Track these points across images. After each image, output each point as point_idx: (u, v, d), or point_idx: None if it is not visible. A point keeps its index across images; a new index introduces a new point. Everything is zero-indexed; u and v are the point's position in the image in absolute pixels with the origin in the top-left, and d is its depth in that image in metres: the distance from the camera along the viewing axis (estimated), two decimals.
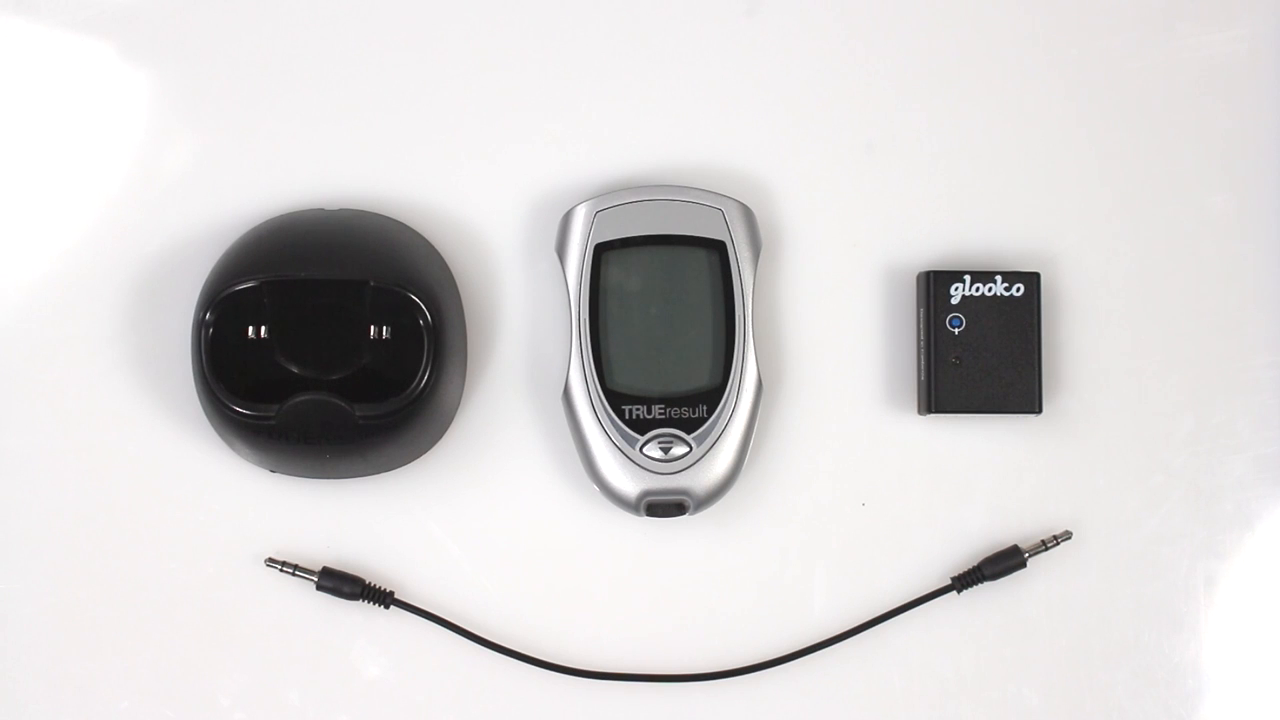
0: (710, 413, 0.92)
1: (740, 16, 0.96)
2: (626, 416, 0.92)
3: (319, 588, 0.93)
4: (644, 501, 0.92)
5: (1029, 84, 0.97)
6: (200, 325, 0.90)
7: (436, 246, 0.95)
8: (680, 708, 0.94)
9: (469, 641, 0.94)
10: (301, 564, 0.93)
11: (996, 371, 0.94)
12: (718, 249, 0.93)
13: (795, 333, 0.96)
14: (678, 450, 0.92)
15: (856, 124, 0.97)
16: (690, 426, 0.92)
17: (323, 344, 0.90)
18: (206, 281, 0.92)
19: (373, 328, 0.90)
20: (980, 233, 0.96)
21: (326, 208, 0.95)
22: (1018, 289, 0.94)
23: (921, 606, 0.94)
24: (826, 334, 0.96)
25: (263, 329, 0.90)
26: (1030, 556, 0.94)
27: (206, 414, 0.92)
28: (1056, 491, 0.96)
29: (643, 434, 0.92)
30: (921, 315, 0.95)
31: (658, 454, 0.92)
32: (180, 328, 0.93)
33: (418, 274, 0.91)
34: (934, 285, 0.94)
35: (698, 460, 0.92)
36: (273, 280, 0.90)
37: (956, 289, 0.94)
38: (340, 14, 0.96)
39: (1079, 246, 0.96)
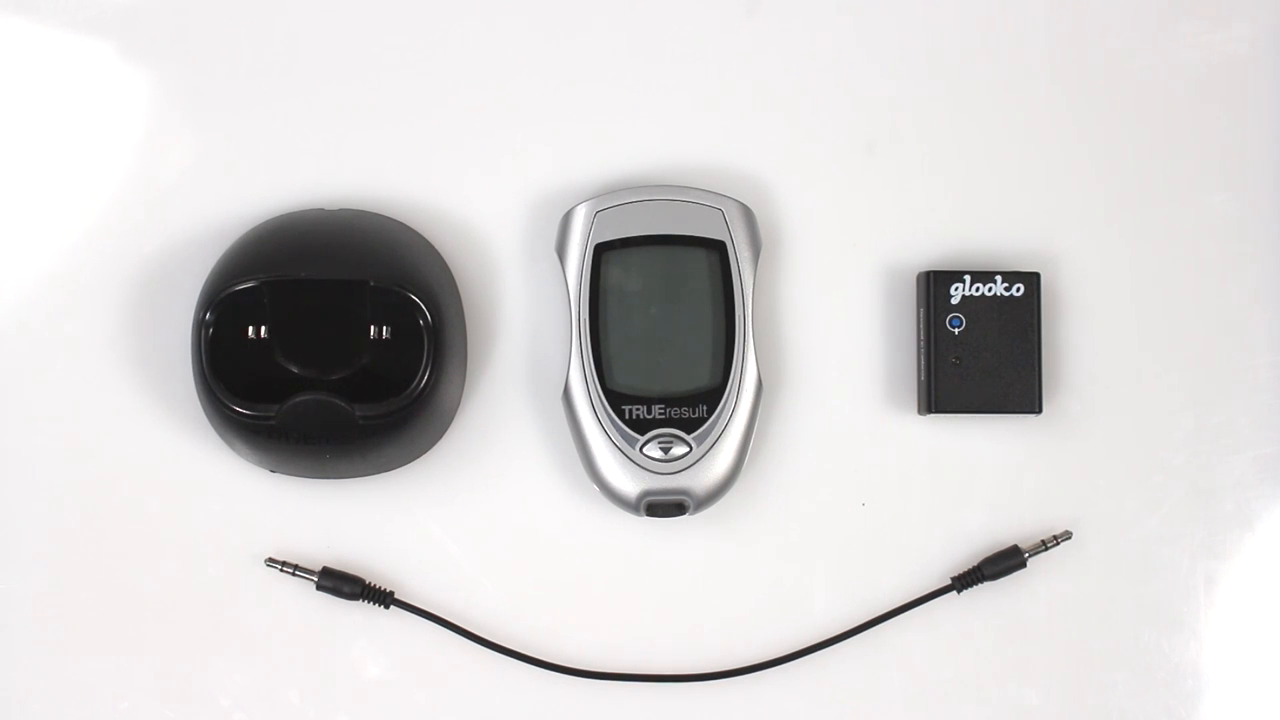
0: (710, 413, 0.92)
1: (740, 17, 0.96)
2: (626, 416, 0.92)
3: (319, 588, 0.93)
4: (644, 501, 0.92)
5: (1029, 84, 0.97)
6: (200, 325, 0.90)
7: (436, 246, 0.95)
8: (680, 708, 0.94)
9: (469, 641, 0.94)
10: (301, 564, 0.93)
11: (996, 371, 0.94)
12: (718, 249, 0.93)
13: (795, 333, 0.96)
14: (678, 450, 0.92)
15: (856, 124, 0.97)
16: (690, 426, 0.92)
17: (323, 344, 0.90)
18: (206, 281, 0.92)
19: (373, 328, 0.90)
20: (980, 233, 0.96)
21: (326, 208, 0.95)
22: (1018, 289, 0.94)
23: (921, 606, 0.94)
24: (826, 334, 0.96)
25: (262, 329, 0.90)
26: (1030, 556, 0.94)
27: (206, 414, 0.92)
28: (1056, 491, 0.96)
29: (643, 434, 0.92)
30: (921, 315, 0.95)
31: (658, 454, 0.92)
32: (180, 328, 0.93)
33: (418, 274, 0.91)
34: (934, 285, 0.94)
35: (698, 460, 0.92)
36: (273, 280, 0.90)
37: (956, 289, 0.94)
38: (340, 13, 0.96)
39: (1079, 246, 0.96)
